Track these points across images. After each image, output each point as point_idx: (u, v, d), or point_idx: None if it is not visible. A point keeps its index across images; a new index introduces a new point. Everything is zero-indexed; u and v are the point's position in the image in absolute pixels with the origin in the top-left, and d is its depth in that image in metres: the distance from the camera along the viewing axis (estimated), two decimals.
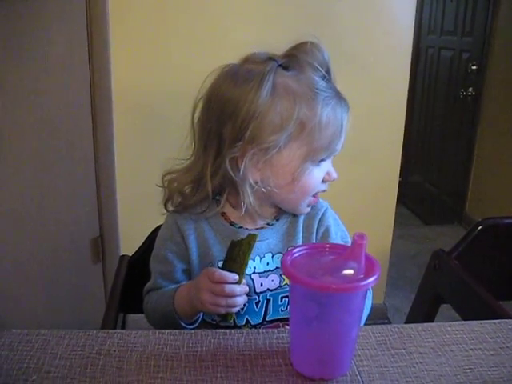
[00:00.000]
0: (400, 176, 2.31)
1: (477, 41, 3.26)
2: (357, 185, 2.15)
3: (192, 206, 0.96)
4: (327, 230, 0.99)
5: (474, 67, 3.26)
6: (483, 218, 1.40)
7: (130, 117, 2.02)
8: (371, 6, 2.04)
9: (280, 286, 0.95)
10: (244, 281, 0.86)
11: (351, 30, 2.04)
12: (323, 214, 0.99)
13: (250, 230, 0.96)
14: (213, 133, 0.89)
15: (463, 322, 0.90)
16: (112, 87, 1.95)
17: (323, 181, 0.93)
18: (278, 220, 0.98)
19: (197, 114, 0.93)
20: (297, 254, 0.74)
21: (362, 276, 0.68)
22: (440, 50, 3.63)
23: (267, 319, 0.96)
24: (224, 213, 0.98)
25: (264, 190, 0.90)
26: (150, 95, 2.00)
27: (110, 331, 0.84)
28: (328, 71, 0.89)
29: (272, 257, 0.96)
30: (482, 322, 0.89)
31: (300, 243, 0.97)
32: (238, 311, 0.90)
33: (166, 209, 1.00)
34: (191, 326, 0.94)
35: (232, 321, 0.90)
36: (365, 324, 0.93)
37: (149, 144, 2.06)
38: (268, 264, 0.95)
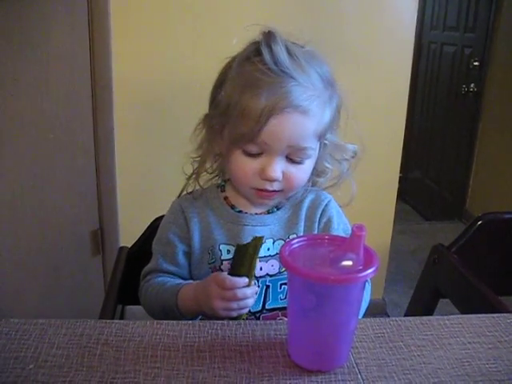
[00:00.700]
0: (400, 172, 2.31)
1: (479, 37, 3.25)
2: (357, 180, 2.14)
3: (199, 191, 1.01)
4: (330, 221, 0.99)
5: (476, 63, 3.25)
6: (483, 213, 1.39)
7: (131, 109, 2.02)
8: (374, 2, 2.03)
9: (279, 272, 0.96)
10: (253, 281, 0.85)
11: (353, 26, 2.03)
12: (326, 205, 1.00)
13: (250, 214, 0.98)
14: (207, 118, 0.96)
15: (461, 315, 0.90)
16: (113, 80, 1.94)
17: (261, 177, 0.90)
18: (278, 209, 0.99)
19: None
20: (295, 245, 0.73)
21: (360, 267, 0.68)
22: (442, 46, 3.62)
23: (266, 307, 0.96)
24: (227, 197, 1.00)
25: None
26: (151, 88, 2.00)
27: (108, 321, 0.84)
28: (277, 63, 0.85)
29: (273, 243, 0.97)
30: (480, 315, 0.89)
31: (302, 231, 0.98)
32: None
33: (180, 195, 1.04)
34: (190, 321, 0.94)
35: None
36: (362, 317, 0.93)
37: (149, 136, 2.06)
38: (269, 249, 0.96)
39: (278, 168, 0.89)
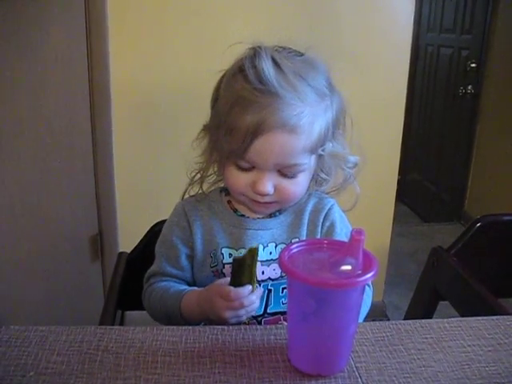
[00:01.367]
0: (399, 174, 2.31)
1: (476, 38, 3.26)
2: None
3: (203, 195, 1.01)
4: (332, 225, 0.99)
5: (473, 65, 3.26)
6: (482, 215, 1.40)
7: (129, 114, 2.02)
8: (370, 4, 2.04)
9: (281, 277, 0.96)
10: (256, 286, 0.85)
11: (350, 28, 2.03)
12: (329, 209, 1.00)
13: (252, 218, 0.98)
14: (206, 128, 0.97)
15: (461, 318, 0.90)
16: (110, 84, 1.94)
17: (253, 191, 0.90)
18: (281, 213, 0.99)
19: None
20: (294, 250, 0.74)
21: (359, 272, 0.68)
22: (439, 48, 3.63)
23: (268, 311, 0.96)
24: (230, 201, 1.01)
25: None
26: (149, 92, 2.00)
27: (108, 327, 0.84)
28: (262, 82, 0.83)
29: (275, 247, 0.97)
30: (479, 318, 0.89)
31: (304, 235, 0.98)
32: None
33: (183, 198, 1.04)
34: (190, 326, 0.94)
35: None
36: (363, 321, 0.93)
37: (147, 141, 2.06)
38: (271, 253, 0.96)
39: (269, 183, 0.88)
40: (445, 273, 1.33)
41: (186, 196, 1.04)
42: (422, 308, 1.43)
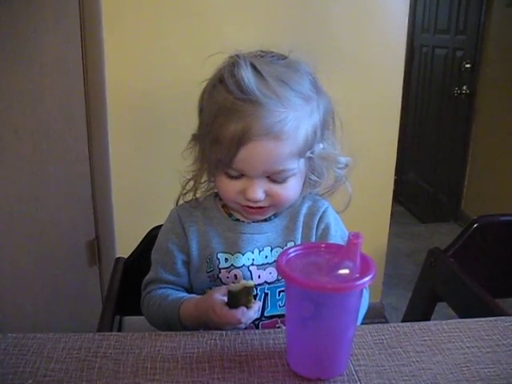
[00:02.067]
0: (395, 174, 2.31)
1: (470, 39, 3.27)
2: (352, 183, 2.14)
3: (198, 200, 1.01)
4: (327, 227, 0.99)
5: (468, 65, 3.27)
6: (479, 215, 1.40)
7: (125, 118, 2.02)
8: (365, 6, 2.04)
9: (278, 280, 0.96)
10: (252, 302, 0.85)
11: (345, 30, 2.04)
12: (324, 212, 1.00)
13: (247, 222, 0.97)
14: (195, 138, 0.97)
15: (459, 320, 0.90)
16: (106, 88, 1.94)
17: (244, 197, 0.90)
18: (276, 216, 0.99)
19: None
20: (292, 254, 0.74)
21: (357, 275, 0.68)
22: (434, 49, 3.64)
23: (265, 315, 0.96)
24: (224, 205, 1.00)
25: None
26: (145, 96, 2.00)
27: (106, 333, 0.84)
28: (243, 91, 0.82)
29: (271, 250, 0.97)
30: (478, 319, 0.89)
31: (299, 238, 0.98)
32: None
33: (177, 204, 1.04)
34: (189, 332, 0.94)
35: None
36: (362, 323, 0.93)
37: (144, 145, 2.06)
38: (266, 257, 0.96)
39: (259, 190, 0.88)
40: (443, 274, 1.33)
41: (181, 202, 1.04)
42: (420, 309, 1.43)
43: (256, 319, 0.95)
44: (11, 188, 1.88)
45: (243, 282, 0.83)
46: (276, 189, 0.89)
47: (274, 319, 0.97)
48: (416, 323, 0.88)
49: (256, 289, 0.95)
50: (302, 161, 0.90)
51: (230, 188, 0.90)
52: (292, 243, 0.97)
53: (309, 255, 0.75)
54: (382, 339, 0.83)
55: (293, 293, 0.72)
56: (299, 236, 0.98)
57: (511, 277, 1.38)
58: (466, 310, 1.21)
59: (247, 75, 0.82)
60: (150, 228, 1.23)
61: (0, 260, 1.89)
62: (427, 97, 3.76)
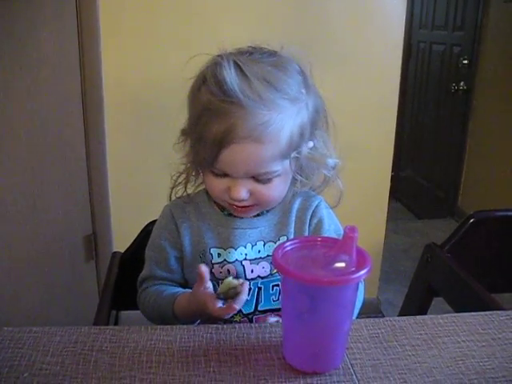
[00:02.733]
0: (392, 170, 2.31)
1: (468, 35, 3.27)
2: (349, 180, 2.14)
3: (190, 196, 1.01)
4: (320, 221, 0.99)
5: (465, 61, 3.27)
6: (475, 211, 1.40)
7: (122, 115, 2.02)
8: (362, 2, 2.04)
9: (271, 274, 0.96)
10: (240, 280, 0.86)
11: (342, 26, 2.04)
12: (316, 206, 1.00)
13: (240, 217, 0.97)
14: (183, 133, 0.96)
15: (455, 314, 0.90)
16: (103, 86, 1.94)
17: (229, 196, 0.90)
18: (268, 211, 0.99)
19: None
20: (288, 248, 0.74)
21: (353, 269, 0.69)
22: (431, 45, 3.64)
23: (259, 309, 0.97)
24: None
25: None
26: (142, 93, 2.00)
27: (102, 327, 0.84)
28: (225, 93, 0.81)
29: (264, 245, 0.97)
30: (473, 313, 0.89)
31: (292, 233, 0.98)
32: None
33: (170, 198, 1.03)
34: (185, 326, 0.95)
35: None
36: (357, 317, 0.93)
37: (141, 141, 2.06)
38: (259, 252, 0.96)
39: (242, 190, 0.87)
40: (439, 269, 1.33)
41: (173, 197, 1.04)
42: (416, 304, 1.43)
43: (250, 313, 0.96)
44: (8, 184, 1.87)
45: (228, 280, 0.84)
46: (260, 188, 0.88)
47: (268, 313, 0.97)
48: (412, 317, 0.88)
49: (249, 283, 0.95)
50: (287, 161, 0.89)
51: (215, 186, 0.90)
52: (285, 238, 0.97)
53: (305, 249, 0.75)
54: (378, 333, 0.83)
55: (289, 286, 0.72)
56: (292, 230, 0.99)
57: (507, 272, 1.38)
58: (462, 305, 1.21)
59: (229, 76, 0.80)
60: (146, 223, 1.23)
61: None
62: (424, 93, 3.76)
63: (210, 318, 0.87)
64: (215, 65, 0.84)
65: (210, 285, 0.87)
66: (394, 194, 3.28)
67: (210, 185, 0.92)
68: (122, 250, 1.29)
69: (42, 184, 1.93)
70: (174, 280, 1.01)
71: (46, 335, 0.80)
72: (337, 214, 1.04)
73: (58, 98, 1.89)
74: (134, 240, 1.25)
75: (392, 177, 2.32)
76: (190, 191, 1.02)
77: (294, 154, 0.89)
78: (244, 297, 0.84)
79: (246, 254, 0.96)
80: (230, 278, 0.85)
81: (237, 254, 0.96)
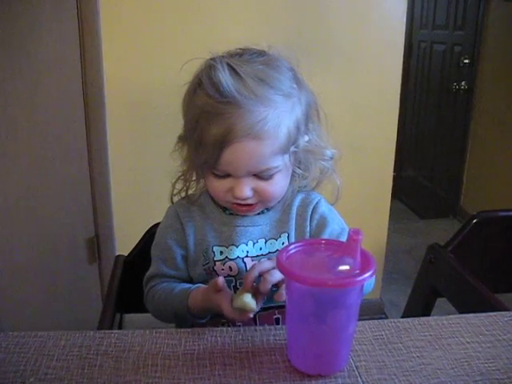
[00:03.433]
0: (394, 170, 2.31)
1: (468, 34, 3.27)
2: (351, 180, 2.14)
3: (194, 196, 1.02)
4: (322, 218, 1.00)
5: (467, 61, 3.26)
6: (478, 211, 1.40)
7: (124, 116, 2.02)
8: (363, 1, 2.04)
9: None
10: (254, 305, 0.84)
11: (343, 26, 2.03)
12: (317, 203, 1.01)
13: (241, 216, 0.98)
14: (181, 139, 0.98)
15: (459, 315, 0.90)
16: (104, 86, 1.94)
17: (232, 196, 0.91)
18: (269, 210, 1.00)
19: None
20: (292, 251, 0.74)
21: (357, 271, 0.69)
22: (432, 44, 3.63)
23: (262, 306, 0.96)
24: None
25: None
26: (144, 93, 1.99)
27: (107, 331, 0.84)
28: (222, 94, 0.82)
29: (265, 242, 0.98)
30: (478, 314, 0.89)
31: (293, 230, 0.99)
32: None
33: (172, 202, 1.05)
34: (204, 320, 0.96)
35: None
36: (361, 319, 0.93)
37: (143, 142, 2.06)
38: (261, 249, 0.98)
39: (246, 188, 0.89)
40: (442, 270, 1.33)
41: (175, 199, 1.05)
42: (420, 305, 1.43)
43: None
44: (10, 187, 1.87)
45: (243, 301, 0.81)
46: (263, 185, 0.90)
47: (271, 310, 0.98)
48: (416, 318, 0.88)
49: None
50: (287, 156, 0.91)
51: (218, 188, 0.92)
52: (286, 234, 0.99)
53: (309, 251, 0.75)
54: (383, 335, 0.83)
55: (293, 289, 0.72)
56: (293, 227, 1.00)
57: (511, 272, 1.38)
58: (465, 306, 1.21)
59: (225, 78, 0.83)
60: (150, 225, 1.23)
61: (0, 259, 1.89)
62: (426, 92, 3.75)
63: (223, 314, 0.87)
64: (209, 68, 0.86)
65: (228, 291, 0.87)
66: (396, 194, 3.28)
67: (212, 187, 0.93)
68: (125, 253, 1.29)
69: (43, 187, 1.93)
70: (180, 278, 1.02)
71: (51, 340, 0.80)
72: (339, 214, 1.04)
73: (60, 99, 1.89)
74: (138, 243, 1.25)
75: (394, 177, 2.32)
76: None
77: (292, 148, 0.91)
78: (257, 309, 0.83)
79: (247, 252, 0.97)
80: (248, 299, 0.81)
81: (238, 251, 0.97)
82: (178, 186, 1.03)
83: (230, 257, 0.97)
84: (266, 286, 0.80)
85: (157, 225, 1.11)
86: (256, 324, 0.97)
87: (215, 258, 0.97)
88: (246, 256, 0.97)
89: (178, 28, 1.94)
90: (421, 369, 0.75)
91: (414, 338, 0.82)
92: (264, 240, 0.98)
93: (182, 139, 0.97)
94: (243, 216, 0.98)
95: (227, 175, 0.89)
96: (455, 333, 0.84)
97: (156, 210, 1.10)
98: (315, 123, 0.97)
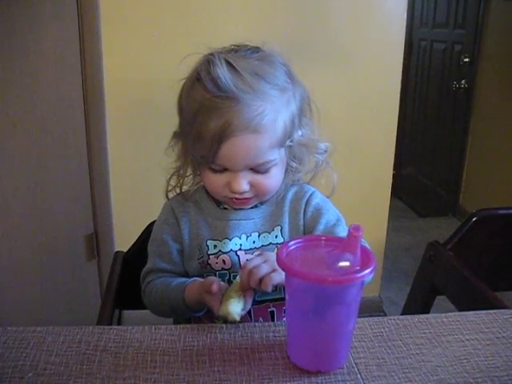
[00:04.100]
0: (394, 169, 2.31)
1: (469, 33, 3.26)
2: (351, 178, 2.15)
3: (189, 192, 1.03)
4: (317, 209, 1.00)
5: (467, 59, 3.26)
6: (477, 209, 1.40)
7: (123, 112, 2.01)
8: (363, 1, 2.03)
9: None
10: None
11: (344, 24, 2.03)
12: (310, 195, 1.02)
13: (235, 209, 0.99)
14: (176, 135, 0.99)
15: (459, 312, 0.90)
16: (104, 83, 1.94)
17: (229, 190, 0.92)
18: (262, 204, 1.01)
19: None
20: (292, 247, 0.74)
21: (357, 268, 0.68)
22: (432, 43, 3.63)
23: (256, 299, 0.97)
24: None
25: None
26: (143, 90, 1.99)
27: (106, 327, 0.84)
28: (220, 89, 0.84)
29: (258, 236, 0.99)
30: (477, 312, 0.89)
31: (286, 223, 1.00)
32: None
33: (167, 198, 1.07)
34: (202, 313, 0.97)
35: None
36: (360, 317, 0.93)
37: (142, 139, 2.05)
38: (254, 242, 0.99)
39: (243, 182, 0.90)
40: (442, 267, 1.33)
41: (170, 195, 1.07)
42: (419, 303, 1.43)
43: None
44: (9, 183, 1.87)
45: (226, 311, 0.82)
46: (259, 179, 0.92)
47: (266, 303, 0.99)
48: (416, 316, 0.88)
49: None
50: (283, 150, 0.93)
51: (215, 182, 0.93)
52: (279, 228, 1.00)
53: (309, 248, 0.75)
54: (382, 332, 0.83)
55: (293, 285, 0.72)
56: (286, 220, 1.01)
57: (510, 270, 1.38)
58: (465, 304, 1.21)
59: (223, 72, 0.84)
60: (149, 222, 1.23)
61: None
62: (426, 91, 3.75)
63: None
64: (207, 62, 0.87)
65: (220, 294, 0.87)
66: (396, 192, 3.28)
67: (209, 182, 0.94)
68: (124, 249, 1.29)
69: (43, 183, 1.93)
70: (176, 272, 1.03)
71: (50, 335, 0.80)
72: (337, 209, 1.04)
73: (59, 95, 1.89)
74: (137, 239, 1.25)
75: (394, 175, 2.32)
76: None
77: (288, 142, 0.92)
78: (239, 317, 0.83)
79: (240, 245, 0.98)
80: (232, 308, 0.82)
81: (231, 245, 0.98)
82: (173, 182, 1.04)
83: (223, 250, 0.98)
84: (254, 279, 0.80)
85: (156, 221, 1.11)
86: (251, 317, 0.98)
87: (209, 252, 0.98)
88: (240, 249, 0.98)
89: (179, 26, 1.94)
90: (420, 366, 0.75)
91: (413, 336, 0.82)
92: (257, 233, 0.99)
93: (177, 135, 0.98)
94: (237, 210, 1.00)
95: (224, 169, 0.91)
96: (455, 330, 0.84)
97: (155, 207, 1.10)
98: (308, 118, 0.98)
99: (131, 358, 0.76)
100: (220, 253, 0.98)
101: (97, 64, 1.91)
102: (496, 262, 1.38)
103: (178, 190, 1.05)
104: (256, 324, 0.85)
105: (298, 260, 0.71)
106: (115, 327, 0.84)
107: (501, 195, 3.01)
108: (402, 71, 2.14)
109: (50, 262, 2.00)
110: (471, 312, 0.89)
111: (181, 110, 0.94)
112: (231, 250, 0.98)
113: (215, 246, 0.99)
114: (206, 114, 0.85)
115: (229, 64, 0.85)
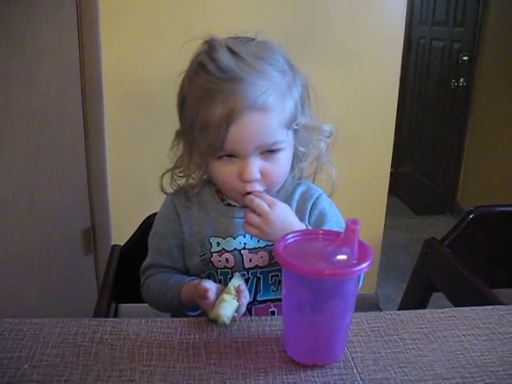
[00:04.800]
0: (391, 167, 2.31)
1: (468, 31, 3.27)
2: (348, 175, 2.15)
3: (191, 186, 1.01)
4: (322, 213, 0.99)
5: (466, 58, 3.27)
6: (475, 206, 1.40)
7: (121, 107, 2.01)
8: None
9: (270, 264, 0.97)
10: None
11: (343, 21, 2.03)
12: (317, 198, 1.01)
13: (239, 207, 0.98)
14: (178, 134, 0.99)
15: (455, 308, 0.91)
16: (102, 78, 1.93)
17: (241, 180, 0.90)
18: None
19: None
20: (290, 240, 0.74)
21: (355, 262, 0.68)
22: (431, 41, 3.63)
23: (258, 299, 0.97)
24: (218, 190, 1.01)
25: None
26: (141, 85, 1.99)
27: (103, 319, 0.84)
28: (223, 71, 0.84)
29: None
30: (474, 308, 0.89)
31: None
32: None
33: (164, 192, 1.05)
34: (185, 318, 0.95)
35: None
36: (357, 311, 0.93)
37: (140, 134, 2.05)
38: (258, 241, 0.97)
39: (255, 168, 0.89)
40: (438, 264, 1.33)
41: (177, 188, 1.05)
42: (415, 299, 1.43)
43: (248, 303, 0.95)
44: (7, 177, 1.87)
45: (216, 315, 0.81)
46: (269, 166, 0.90)
47: (267, 303, 0.98)
48: (412, 311, 0.88)
49: (247, 272, 0.96)
50: (290, 133, 0.92)
51: (226, 174, 0.91)
52: None
53: (307, 241, 0.75)
54: (379, 327, 0.83)
55: (290, 279, 0.72)
56: None
57: (507, 267, 1.38)
58: (461, 300, 1.21)
59: (225, 56, 0.84)
60: (146, 215, 1.23)
61: None
62: (424, 89, 3.76)
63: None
64: (209, 47, 0.87)
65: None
66: (393, 190, 3.28)
67: (218, 174, 0.92)
68: (121, 243, 1.29)
69: (40, 177, 1.93)
70: (176, 268, 1.02)
71: (46, 327, 0.80)
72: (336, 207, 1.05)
73: (57, 91, 1.88)
74: (134, 233, 1.25)
75: (391, 173, 2.32)
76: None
77: (294, 126, 0.92)
78: (246, 293, 0.84)
79: (244, 244, 0.97)
80: (223, 311, 0.81)
81: (235, 243, 0.96)
82: (166, 180, 1.02)
83: (226, 248, 0.96)
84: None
85: (153, 215, 1.11)
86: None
87: (212, 250, 0.97)
88: (244, 248, 0.96)
89: (178, 21, 1.93)
90: (416, 360, 0.75)
91: (410, 331, 0.82)
92: None
93: (180, 134, 0.96)
94: (241, 207, 0.98)
95: (234, 159, 0.89)
96: (451, 326, 0.84)
97: (152, 201, 1.09)
98: (307, 106, 0.98)
99: (127, 351, 0.75)
100: (223, 251, 0.96)
101: (95, 59, 1.91)
102: (492, 258, 1.38)
103: (175, 186, 1.03)
104: (252, 318, 0.85)
105: (295, 253, 0.71)
106: (111, 319, 0.84)
107: (498, 193, 3.02)
108: (401, 69, 2.14)
109: (47, 256, 2.00)
110: (468, 308, 0.89)
111: (183, 103, 0.92)
112: (235, 248, 0.96)
113: (218, 244, 0.97)
114: (210, 99, 0.85)
115: (229, 49, 0.86)
